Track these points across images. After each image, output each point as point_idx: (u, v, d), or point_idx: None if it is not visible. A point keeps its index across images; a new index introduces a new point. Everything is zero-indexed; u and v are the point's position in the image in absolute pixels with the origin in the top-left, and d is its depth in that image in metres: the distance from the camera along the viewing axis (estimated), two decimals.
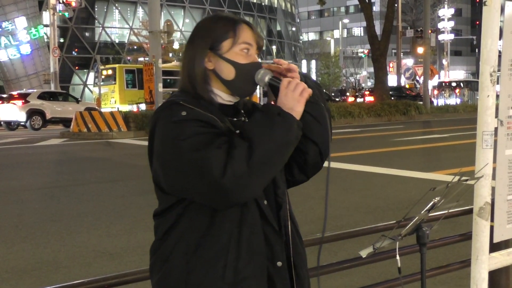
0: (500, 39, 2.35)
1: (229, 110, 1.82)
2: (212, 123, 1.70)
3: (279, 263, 1.80)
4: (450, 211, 2.61)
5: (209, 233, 1.72)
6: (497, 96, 2.39)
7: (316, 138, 1.84)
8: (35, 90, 28.95)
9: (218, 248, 1.71)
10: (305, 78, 1.85)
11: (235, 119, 1.82)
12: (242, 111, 1.87)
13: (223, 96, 1.82)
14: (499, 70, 2.40)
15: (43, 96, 26.49)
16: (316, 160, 1.89)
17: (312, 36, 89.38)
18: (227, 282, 1.70)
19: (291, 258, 1.84)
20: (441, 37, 57.57)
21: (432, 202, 2.10)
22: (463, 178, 2.06)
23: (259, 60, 1.86)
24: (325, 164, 1.89)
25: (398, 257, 2.09)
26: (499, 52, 2.30)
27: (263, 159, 1.64)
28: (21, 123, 25.89)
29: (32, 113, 25.16)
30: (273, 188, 1.82)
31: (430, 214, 2.17)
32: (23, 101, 25.26)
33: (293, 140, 1.70)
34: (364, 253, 2.08)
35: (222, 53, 1.79)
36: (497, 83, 2.39)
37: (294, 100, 1.71)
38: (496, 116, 2.37)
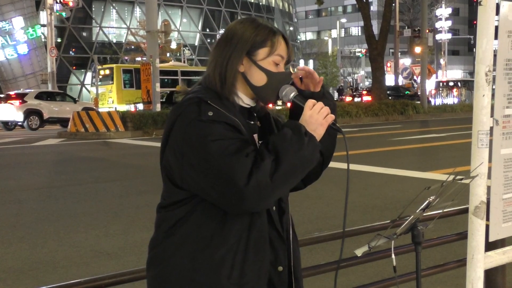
0: (495, 39, 2.36)
1: (245, 113, 1.84)
2: (238, 128, 1.71)
3: (280, 268, 1.82)
4: (445, 210, 2.61)
5: (218, 233, 1.72)
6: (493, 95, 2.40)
7: (323, 149, 1.87)
8: (32, 90, 28.89)
9: (226, 249, 1.72)
10: (323, 89, 1.90)
11: (252, 122, 1.84)
12: (255, 115, 1.89)
13: (244, 100, 1.84)
14: (494, 70, 2.41)
15: (41, 96, 26.41)
16: (317, 170, 1.92)
17: (309, 35, 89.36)
18: (232, 282, 1.72)
19: (291, 262, 1.86)
20: (438, 36, 57.60)
21: (427, 201, 2.11)
22: (458, 177, 2.07)
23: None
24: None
25: (393, 256, 2.10)
26: (495, 51, 2.30)
27: (286, 175, 1.67)
28: (19, 123, 25.83)
29: (29, 113, 25.10)
30: None
31: (426, 213, 2.17)
32: (21, 101, 25.19)
33: (314, 161, 1.75)
34: (359, 252, 2.09)
35: (256, 60, 1.80)
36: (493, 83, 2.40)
37: (318, 123, 1.76)
38: (492, 116, 2.38)
